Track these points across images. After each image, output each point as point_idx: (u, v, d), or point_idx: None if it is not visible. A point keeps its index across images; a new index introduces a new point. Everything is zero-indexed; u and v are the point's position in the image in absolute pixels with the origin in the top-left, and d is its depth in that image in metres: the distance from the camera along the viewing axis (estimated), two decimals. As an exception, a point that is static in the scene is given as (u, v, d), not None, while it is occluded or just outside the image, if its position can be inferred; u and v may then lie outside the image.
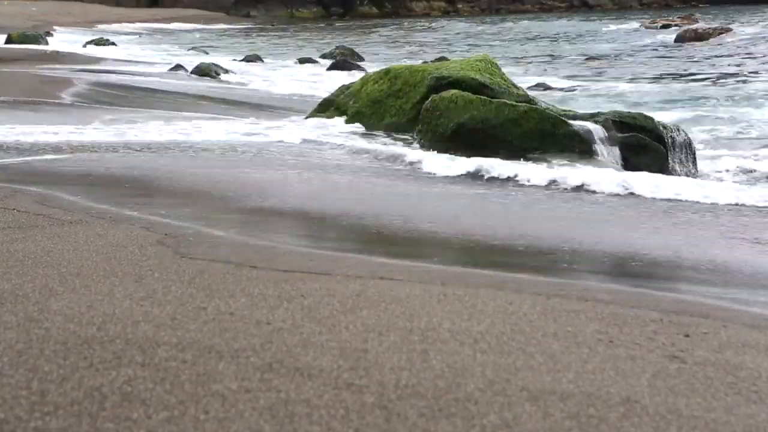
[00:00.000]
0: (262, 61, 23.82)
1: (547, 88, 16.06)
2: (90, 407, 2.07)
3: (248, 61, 23.43)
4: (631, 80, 18.36)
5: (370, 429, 2.03)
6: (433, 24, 50.86)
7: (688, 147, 8.39)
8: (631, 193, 6.43)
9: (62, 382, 2.21)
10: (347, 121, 9.63)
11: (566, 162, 7.65)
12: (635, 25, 38.91)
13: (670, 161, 8.04)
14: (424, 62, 16.47)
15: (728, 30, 28.86)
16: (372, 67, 18.75)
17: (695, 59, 22.78)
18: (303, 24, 56.52)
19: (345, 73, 18.79)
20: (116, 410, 2.06)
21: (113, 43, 29.95)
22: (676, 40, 28.10)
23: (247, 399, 2.15)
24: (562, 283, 3.58)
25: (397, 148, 8.38)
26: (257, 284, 3.22)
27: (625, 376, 2.44)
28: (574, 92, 15.88)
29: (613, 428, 2.10)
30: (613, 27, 39.09)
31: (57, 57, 19.93)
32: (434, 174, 7.03)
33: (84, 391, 2.16)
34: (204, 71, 17.99)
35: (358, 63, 22.13)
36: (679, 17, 38.88)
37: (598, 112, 8.73)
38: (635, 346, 2.71)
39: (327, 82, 17.29)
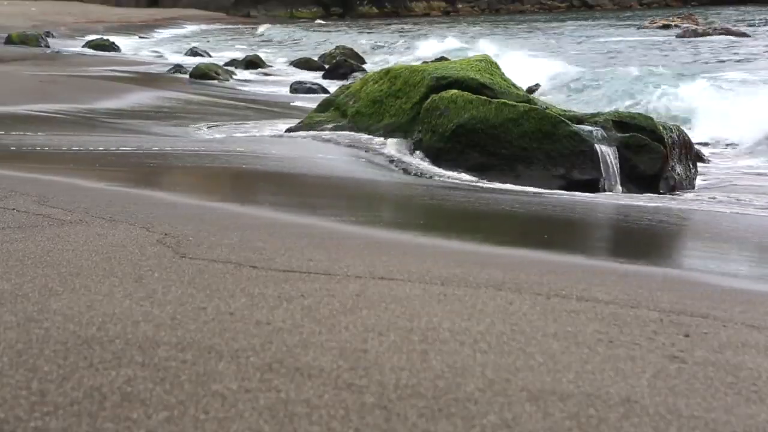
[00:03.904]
0: (263, 62, 23.81)
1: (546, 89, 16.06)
2: (90, 407, 2.07)
3: (248, 62, 23.43)
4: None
5: (370, 429, 2.03)
6: (434, 24, 50.83)
7: (688, 147, 8.39)
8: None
9: (62, 382, 2.21)
10: (347, 122, 9.62)
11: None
12: (635, 25, 38.91)
13: (670, 161, 8.04)
14: (424, 62, 16.46)
15: (729, 29, 28.84)
16: (372, 67, 18.74)
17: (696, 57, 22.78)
18: (303, 24, 56.49)
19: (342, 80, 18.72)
20: (116, 410, 2.06)
21: (114, 43, 29.92)
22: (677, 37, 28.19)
23: (247, 399, 2.15)
24: (562, 283, 3.58)
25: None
26: (257, 284, 3.21)
27: (625, 376, 2.43)
28: (575, 93, 15.87)
29: (613, 428, 2.10)
30: (612, 27, 39.07)
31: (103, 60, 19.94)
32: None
33: (84, 391, 2.16)
34: (204, 73, 17.98)
35: (358, 63, 22.14)
36: (679, 17, 38.87)
37: (598, 113, 8.73)
38: (635, 346, 2.70)
39: (322, 81, 17.32)
